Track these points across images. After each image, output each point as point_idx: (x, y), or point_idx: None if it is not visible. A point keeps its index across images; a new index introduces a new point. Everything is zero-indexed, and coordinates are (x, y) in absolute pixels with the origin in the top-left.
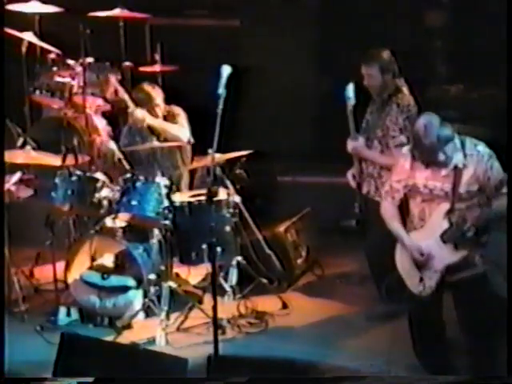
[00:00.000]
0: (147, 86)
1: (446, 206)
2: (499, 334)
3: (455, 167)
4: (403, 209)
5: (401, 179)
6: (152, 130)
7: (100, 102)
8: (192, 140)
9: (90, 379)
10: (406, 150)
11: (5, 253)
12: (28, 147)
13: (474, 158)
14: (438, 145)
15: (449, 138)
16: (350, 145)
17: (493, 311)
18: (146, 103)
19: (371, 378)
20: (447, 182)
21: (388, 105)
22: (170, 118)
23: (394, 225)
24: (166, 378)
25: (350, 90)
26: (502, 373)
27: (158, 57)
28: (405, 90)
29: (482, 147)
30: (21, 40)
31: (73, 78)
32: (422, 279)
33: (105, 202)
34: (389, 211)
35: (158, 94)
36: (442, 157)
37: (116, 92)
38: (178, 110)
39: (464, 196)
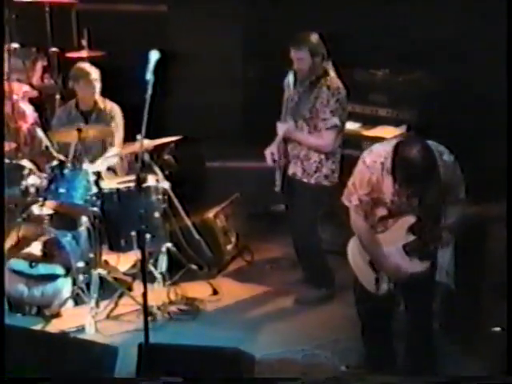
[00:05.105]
0: (82, 63)
1: (410, 219)
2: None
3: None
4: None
5: (368, 192)
6: (84, 115)
7: (26, 88)
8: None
9: None
10: (379, 165)
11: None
12: None
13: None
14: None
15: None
16: (282, 127)
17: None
18: (83, 77)
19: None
20: (414, 197)
21: (317, 87)
22: (106, 115)
23: (368, 241)
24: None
25: (290, 77)
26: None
27: (84, 42)
28: (332, 72)
29: (446, 156)
30: None
31: None
32: (377, 280)
33: (32, 190)
34: (360, 227)
35: (94, 71)
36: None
37: (42, 78)
38: (116, 111)
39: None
